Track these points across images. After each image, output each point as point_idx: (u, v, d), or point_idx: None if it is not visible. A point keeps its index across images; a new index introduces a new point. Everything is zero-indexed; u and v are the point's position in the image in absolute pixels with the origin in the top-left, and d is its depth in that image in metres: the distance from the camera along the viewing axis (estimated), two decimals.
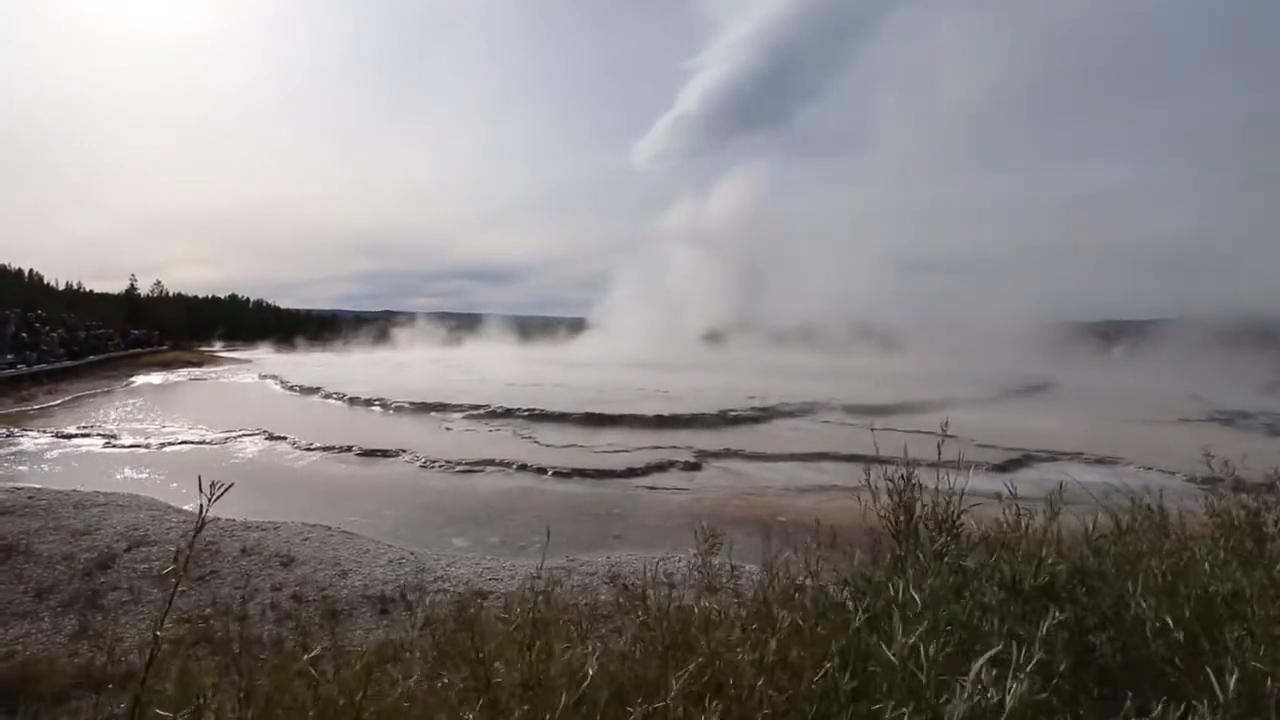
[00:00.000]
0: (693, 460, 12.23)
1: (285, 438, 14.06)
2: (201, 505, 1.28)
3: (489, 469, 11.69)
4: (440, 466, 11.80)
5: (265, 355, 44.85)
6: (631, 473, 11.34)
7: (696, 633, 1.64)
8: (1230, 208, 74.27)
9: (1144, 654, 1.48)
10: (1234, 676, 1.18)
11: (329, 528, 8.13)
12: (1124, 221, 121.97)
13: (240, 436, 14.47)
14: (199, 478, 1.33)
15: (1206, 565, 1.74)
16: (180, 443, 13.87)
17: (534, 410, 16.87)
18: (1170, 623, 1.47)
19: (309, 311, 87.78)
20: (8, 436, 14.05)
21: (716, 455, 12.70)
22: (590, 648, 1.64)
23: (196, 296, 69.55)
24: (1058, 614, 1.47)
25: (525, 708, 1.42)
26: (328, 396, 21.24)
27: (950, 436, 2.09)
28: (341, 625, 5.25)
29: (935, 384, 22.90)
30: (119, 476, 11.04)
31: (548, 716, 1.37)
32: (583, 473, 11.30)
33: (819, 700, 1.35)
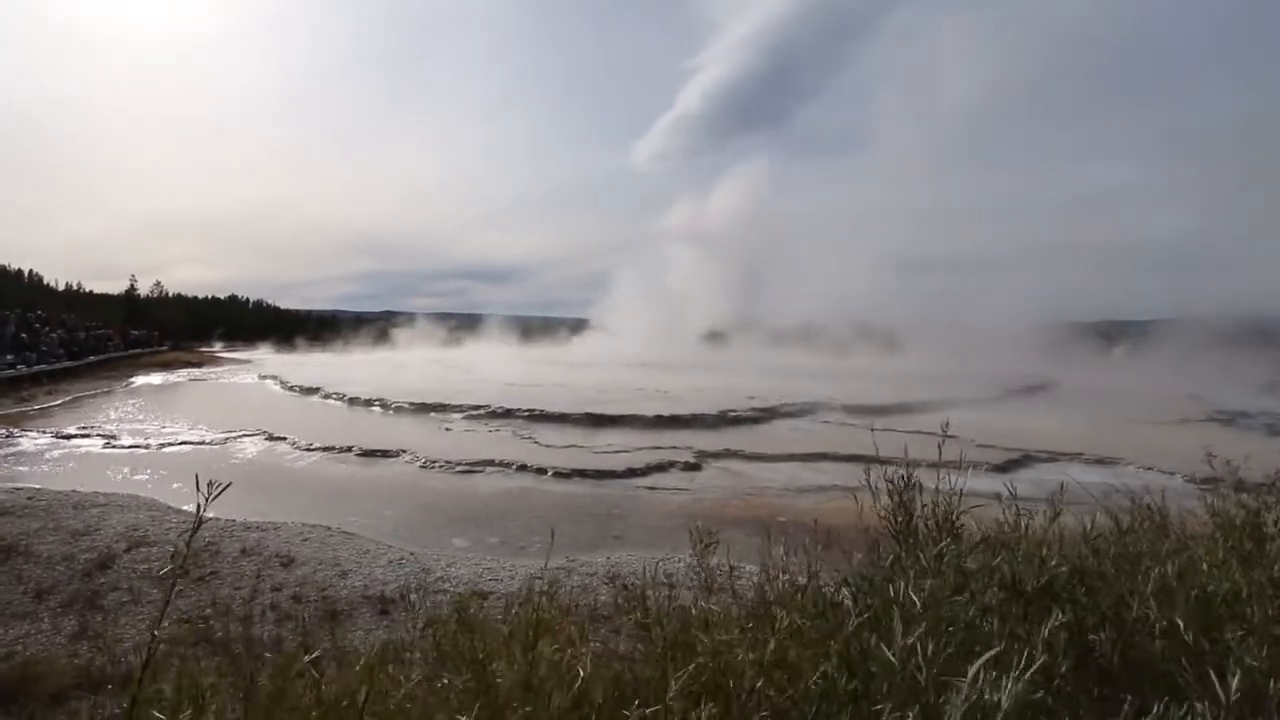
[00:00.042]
0: (693, 460, 12.22)
1: (285, 438, 14.05)
2: (199, 505, 1.28)
3: (489, 469, 11.68)
4: (440, 467, 11.79)
5: (265, 355, 44.83)
6: (631, 473, 11.32)
7: (696, 633, 1.64)
8: (1230, 208, 74.07)
9: (1144, 654, 1.48)
10: (1235, 677, 1.17)
11: (329, 528, 8.12)
12: (1124, 221, 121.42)
13: (240, 437, 14.46)
14: (197, 477, 1.33)
15: (1206, 565, 1.74)
16: (180, 443, 13.86)
17: (534, 410, 16.86)
18: (1170, 623, 1.47)
19: (309, 312, 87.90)
20: (7, 437, 14.04)
21: (716, 455, 12.69)
22: (589, 648, 1.64)
23: (196, 297, 69.79)
24: (1060, 615, 1.47)
25: (526, 709, 1.42)
26: (327, 397, 21.22)
27: (950, 437, 2.10)
28: (342, 626, 5.24)
29: (935, 384, 22.87)
30: (119, 477, 11.02)
31: (548, 717, 1.37)
32: (583, 473, 11.28)
33: (818, 700, 1.35)
